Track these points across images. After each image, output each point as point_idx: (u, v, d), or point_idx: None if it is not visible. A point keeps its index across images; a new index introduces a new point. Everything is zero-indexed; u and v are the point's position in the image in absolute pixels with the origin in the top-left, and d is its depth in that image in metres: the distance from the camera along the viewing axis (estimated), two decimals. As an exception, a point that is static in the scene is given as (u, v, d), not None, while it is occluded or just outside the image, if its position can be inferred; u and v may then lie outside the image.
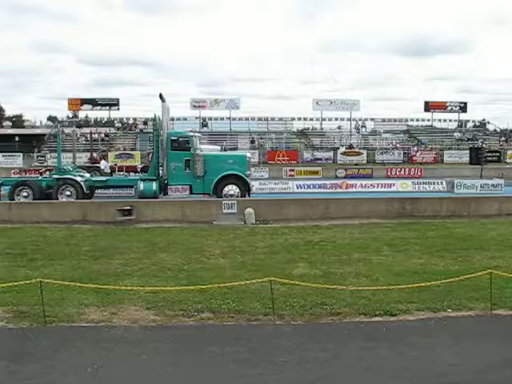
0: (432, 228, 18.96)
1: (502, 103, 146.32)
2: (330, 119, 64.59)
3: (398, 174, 43.83)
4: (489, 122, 70.39)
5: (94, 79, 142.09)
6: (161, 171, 25.76)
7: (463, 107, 66.32)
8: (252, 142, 56.13)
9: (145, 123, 58.26)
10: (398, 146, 58.27)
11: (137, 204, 21.33)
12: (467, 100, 70.78)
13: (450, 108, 66.31)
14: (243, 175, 25.14)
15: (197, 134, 27.50)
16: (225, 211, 20.80)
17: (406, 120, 66.68)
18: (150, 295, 10.93)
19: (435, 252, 15.12)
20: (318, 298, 10.76)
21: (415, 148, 56.59)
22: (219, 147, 34.50)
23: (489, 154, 44.26)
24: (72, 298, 10.73)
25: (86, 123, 63.07)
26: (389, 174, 43.78)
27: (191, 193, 24.99)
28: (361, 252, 15.08)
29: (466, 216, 21.66)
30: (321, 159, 52.73)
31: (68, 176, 25.76)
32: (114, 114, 62.86)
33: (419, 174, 43.82)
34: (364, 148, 56.83)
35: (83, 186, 25.25)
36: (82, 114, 65.60)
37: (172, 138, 25.27)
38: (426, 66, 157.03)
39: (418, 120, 67.37)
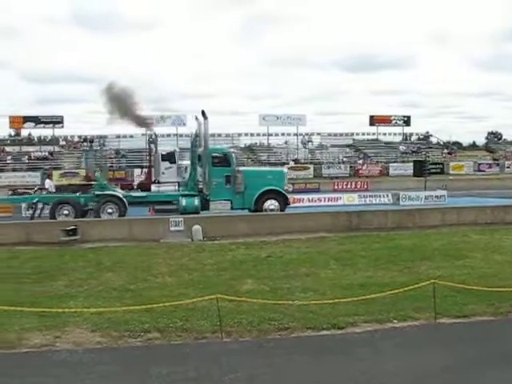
0: (378, 240, 19.18)
1: (444, 116, 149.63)
2: (277, 134, 64.70)
3: (344, 187, 44.30)
4: (432, 135, 71.54)
5: (38, 96, 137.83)
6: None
7: (407, 121, 67.43)
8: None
9: (91, 141, 57.24)
10: (344, 159, 58.83)
11: (82, 223, 20.88)
12: (411, 114, 71.87)
13: (394, 122, 67.24)
14: (282, 190, 25.53)
15: (235, 151, 27.33)
16: (172, 229, 20.61)
17: (352, 134, 67.28)
18: (95, 317, 10.66)
19: (381, 264, 15.32)
20: (266, 313, 10.74)
21: (361, 161, 57.27)
22: None
23: (432, 166, 45.03)
24: (12, 323, 10.32)
25: (29, 141, 61.56)
26: (335, 187, 44.18)
27: (232, 208, 25.04)
28: (308, 266, 15.13)
29: (411, 227, 21.97)
30: (268, 174, 52.57)
31: (110, 192, 25.18)
32: (59, 131, 61.29)
33: (365, 187, 44.39)
34: (311, 162, 57.14)
35: (125, 202, 24.81)
36: (24, 132, 63.88)
37: (213, 154, 25.47)
38: (371, 81, 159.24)
39: (363, 134, 67.97)
